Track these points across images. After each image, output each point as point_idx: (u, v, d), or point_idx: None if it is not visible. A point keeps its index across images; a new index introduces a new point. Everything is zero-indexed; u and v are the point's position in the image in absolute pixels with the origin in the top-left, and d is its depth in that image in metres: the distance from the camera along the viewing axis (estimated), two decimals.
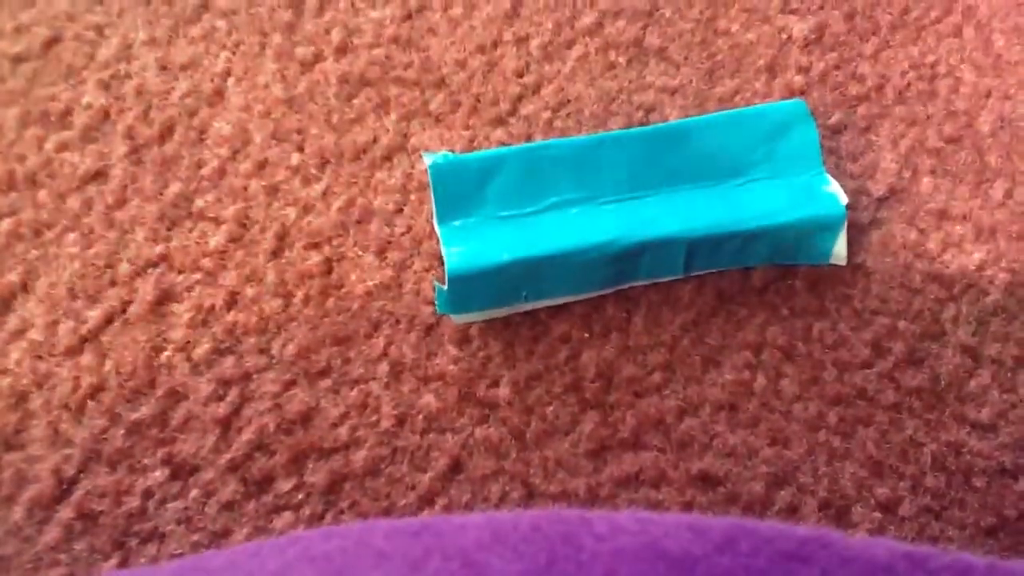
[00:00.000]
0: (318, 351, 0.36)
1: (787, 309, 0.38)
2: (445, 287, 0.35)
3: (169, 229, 0.38)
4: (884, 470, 0.35)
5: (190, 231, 0.38)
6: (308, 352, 0.36)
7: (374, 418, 0.36)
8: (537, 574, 0.21)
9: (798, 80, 0.42)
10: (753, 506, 0.35)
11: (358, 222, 0.39)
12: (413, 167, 0.40)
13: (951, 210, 0.39)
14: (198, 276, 0.37)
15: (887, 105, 0.41)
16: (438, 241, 0.37)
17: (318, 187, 0.39)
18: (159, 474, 0.34)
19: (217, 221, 0.38)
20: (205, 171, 0.39)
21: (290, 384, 0.36)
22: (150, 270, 0.38)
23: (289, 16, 0.42)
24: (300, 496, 0.35)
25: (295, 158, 0.40)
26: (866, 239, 0.39)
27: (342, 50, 0.42)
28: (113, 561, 0.33)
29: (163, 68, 0.41)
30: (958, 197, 0.39)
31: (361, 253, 0.38)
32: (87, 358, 0.36)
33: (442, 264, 0.37)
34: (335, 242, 0.38)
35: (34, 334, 0.36)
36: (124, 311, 0.37)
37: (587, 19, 0.43)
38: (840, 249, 0.37)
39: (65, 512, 0.34)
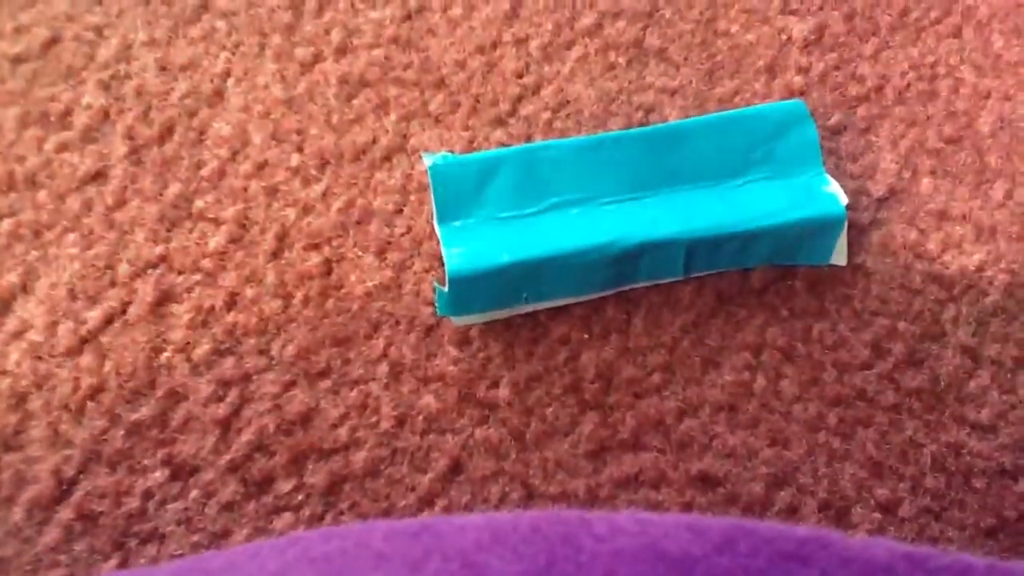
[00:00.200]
0: (318, 352, 0.36)
1: (787, 310, 0.38)
2: (445, 289, 0.35)
3: (169, 230, 0.38)
4: (884, 471, 0.35)
5: (190, 232, 0.38)
6: (308, 353, 0.36)
7: (374, 419, 0.36)
8: (537, 575, 0.21)
9: (798, 81, 0.42)
10: (753, 507, 0.35)
11: (358, 223, 0.39)
12: (413, 168, 0.40)
13: (951, 211, 0.39)
14: (198, 277, 0.37)
15: (887, 106, 0.41)
16: (438, 242, 0.37)
17: (318, 188, 0.39)
18: (159, 475, 0.34)
19: (217, 222, 0.38)
20: (205, 172, 0.39)
21: (290, 385, 0.36)
22: (150, 271, 0.38)
23: (289, 17, 0.42)
24: (300, 497, 0.35)
25: (295, 159, 0.40)
26: (866, 240, 0.39)
27: (342, 51, 0.42)
28: (113, 562, 0.33)
29: (163, 69, 0.41)
30: (958, 198, 0.39)
31: (361, 254, 0.38)
32: (87, 359, 0.36)
33: (442, 265, 0.37)
34: (335, 243, 0.38)
35: (34, 335, 0.36)
36: (124, 312, 0.37)
37: (587, 20, 0.43)
38: (840, 249, 0.37)
39: (65, 513, 0.34)
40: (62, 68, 0.41)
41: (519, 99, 0.41)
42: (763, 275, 0.38)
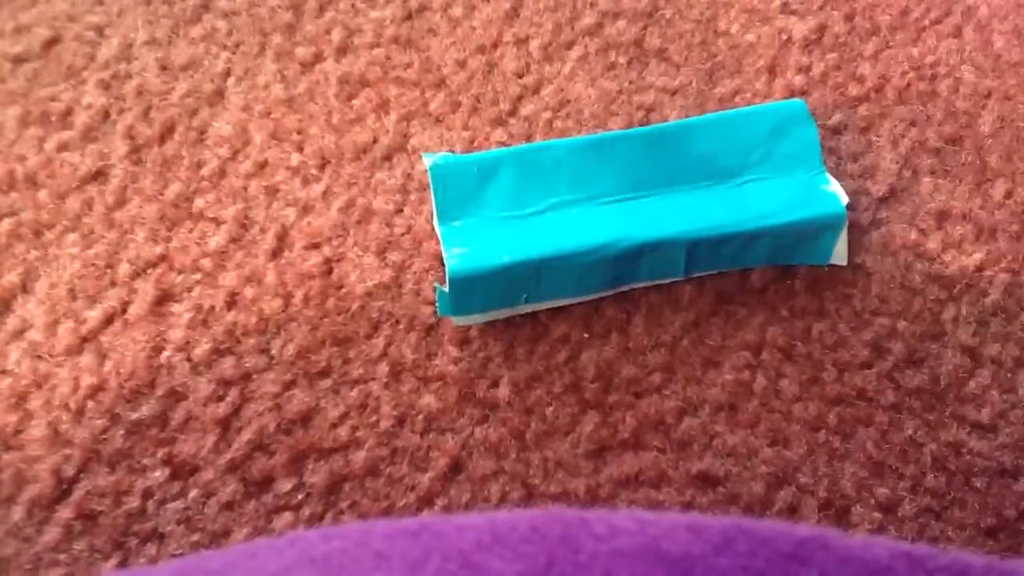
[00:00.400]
0: (318, 351, 0.36)
1: (787, 309, 0.38)
2: (446, 289, 0.35)
3: (169, 229, 0.38)
4: (884, 470, 0.35)
5: (190, 231, 0.38)
6: (308, 352, 0.36)
7: (374, 418, 0.36)
8: (536, 575, 0.21)
9: (798, 81, 0.42)
10: (753, 506, 0.35)
11: (358, 222, 0.39)
12: (413, 167, 0.40)
13: (951, 210, 0.39)
14: (198, 276, 0.38)
15: (887, 105, 0.41)
16: (438, 242, 0.37)
17: (318, 187, 0.39)
18: (159, 474, 0.34)
19: (217, 221, 0.38)
20: (205, 171, 0.39)
21: (290, 384, 0.36)
22: (150, 270, 0.38)
23: (289, 16, 0.42)
24: (300, 496, 0.35)
25: (295, 158, 0.40)
26: (866, 239, 0.39)
27: (342, 50, 0.42)
28: (113, 561, 0.33)
29: (163, 68, 0.41)
30: (958, 197, 0.39)
31: (361, 253, 0.38)
32: (87, 358, 0.36)
33: (442, 264, 0.37)
34: (335, 242, 0.38)
35: (34, 334, 0.36)
36: (124, 311, 0.37)
37: (587, 20, 0.43)
38: (841, 249, 0.37)
39: (65, 512, 0.34)
40: (63, 68, 0.41)
41: (519, 99, 0.41)
42: (763, 274, 0.38)
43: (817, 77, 0.42)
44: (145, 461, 0.35)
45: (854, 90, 0.42)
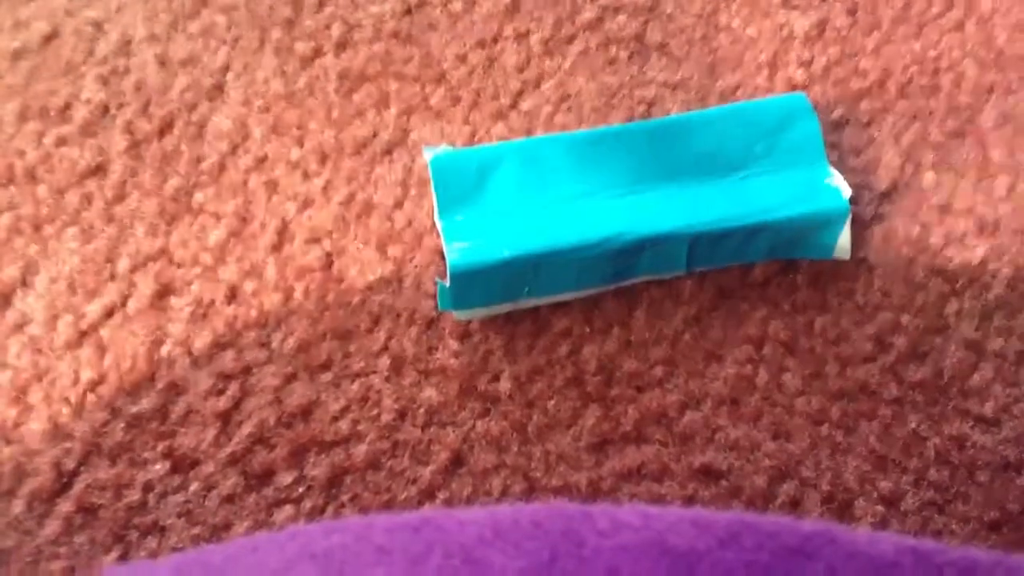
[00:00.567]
0: (318, 345, 0.36)
1: (789, 304, 0.38)
2: (447, 283, 0.35)
3: (169, 224, 0.38)
4: (887, 464, 0.35)
5: (190, 226, 0.38)
6: (308, 346, 0.36)
7: (375, 412, 0.36)
8: (539, 570, 0.21)
9: (800, 75, 0.42)
10: (755, 500, 0.35)
11: (358, 216, 0.38)
12: (413, 162, 0.40)
13: (954, 205, 0.39)
14: (198, 270, 0.37)
15: (889, 100, 0.41)
16: (439, 236, 0.37)
17: (318, 182, 0.39)
18: (159, 467, 0.34)
19: (217, 216, 0.38)
20: (205, 166, 0.39)
21: (290, 378, 0.36)
22: (150, 264, 0.37)
23: (288, 11, 0.42)
24: (301, 489, 0.34)
25: (295, 153, 0.40)
26: (868, 234, 0.39)
27: (342, 45, 0.42)
28: (113, 554, 0.33)
29: (162, 63, 0.41)
30: (961, 192, 0.39)
31: (361, 247, 0.38)
32: (87, 352, 0.36)
33: (443, 258, 0.37)
34: (335, 236, 0.38)
35: (34, 328, 0.36)
36: (124, 305, 0.37)
37: (588, 14, 0.43)
38: (844, 243, 0.37)
39: (65, 505, 0.34)
40: (61, 63, 0.41)
41: (520, 93, 0.41)
42: (765, 268, 0.38)
43: (819, 71, 0.42)
44: (145, 454, 0.35)
45: (856, 84, 0.41)
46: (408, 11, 0.43)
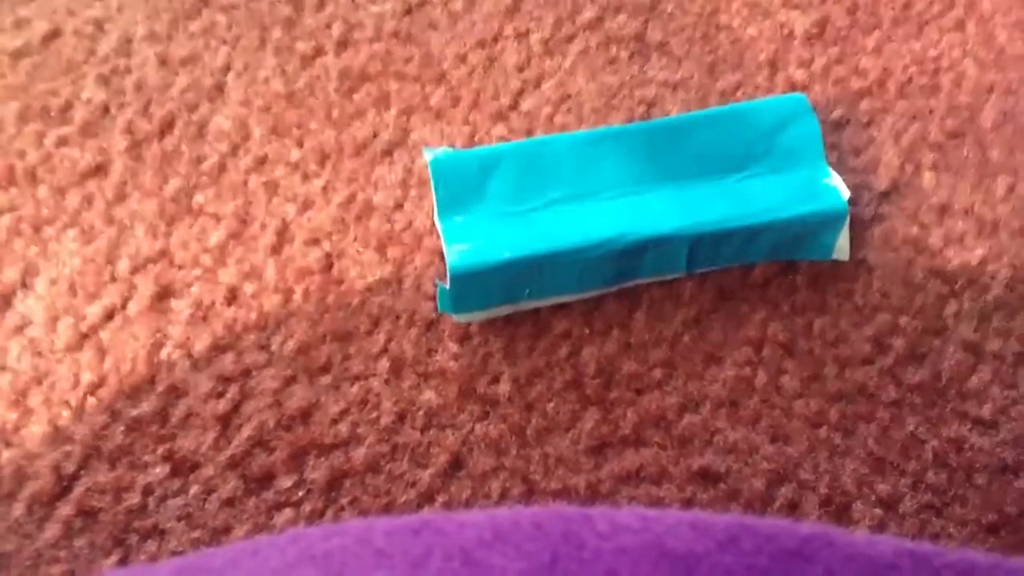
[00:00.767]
0: (318, 347, 0.36)
1: (788, 305, 0.38)
2: (447, 285, 0.35)
3: (169, 225, 0.38)
4: (885, 467, 0.35)
5: (190, 227, 0.38)
6: (308, 348, 0.36)
7: (374, 414, 0.36)
8: (539, 572, 0.21)
9: (800, 75, 0.42)
10: (754, 503, 0.35)
11: (358, 218, 0.38)
12: (414, 162, 0.40)
13: (953, 205, 0.39)
14: (198, 272, 0.37)
15: (889, 100, 0.41)
16: (439, 237, 0.37)
17: (318, 183, 0.39)
18: (159, 471, 0.34)
19: (217, 217, 0.38)
20: (205, 167, 0.39)
21: (290, 380, 0.36)
22: (150, 266, 0.37)
23: (289, 11, 0.42)
24: (300, 493, 0.34)
25: (295, 153, 0.40)
26: (868, 234, 0.39)
27: (342, 45, 0.42)
28: (113, 558, 0.33)
29: (163, 63, 0.41)
30: (960, 192, 0.39)
31: (361, 249, 0.38)
32: (87, 354, 0.36)
33: (443, 259, 0.37)
34: (335, 238, 0.38)
35: (34, 330, 0.36)
36: (124, 307, 0.37)
37: (588, 14, 0.43)
38: (843, 244, 0.37)
39: (65, 509, 0.34)
40: (62, 62, 0.41)
41: (520, 93, 0.41)
42: (765, 270, 0.38)
43: (819, 71, 0.42)
44: (145, 457, 0.35)
45: (856, 84, 0.41)
46: (408, 11, 0.43)
